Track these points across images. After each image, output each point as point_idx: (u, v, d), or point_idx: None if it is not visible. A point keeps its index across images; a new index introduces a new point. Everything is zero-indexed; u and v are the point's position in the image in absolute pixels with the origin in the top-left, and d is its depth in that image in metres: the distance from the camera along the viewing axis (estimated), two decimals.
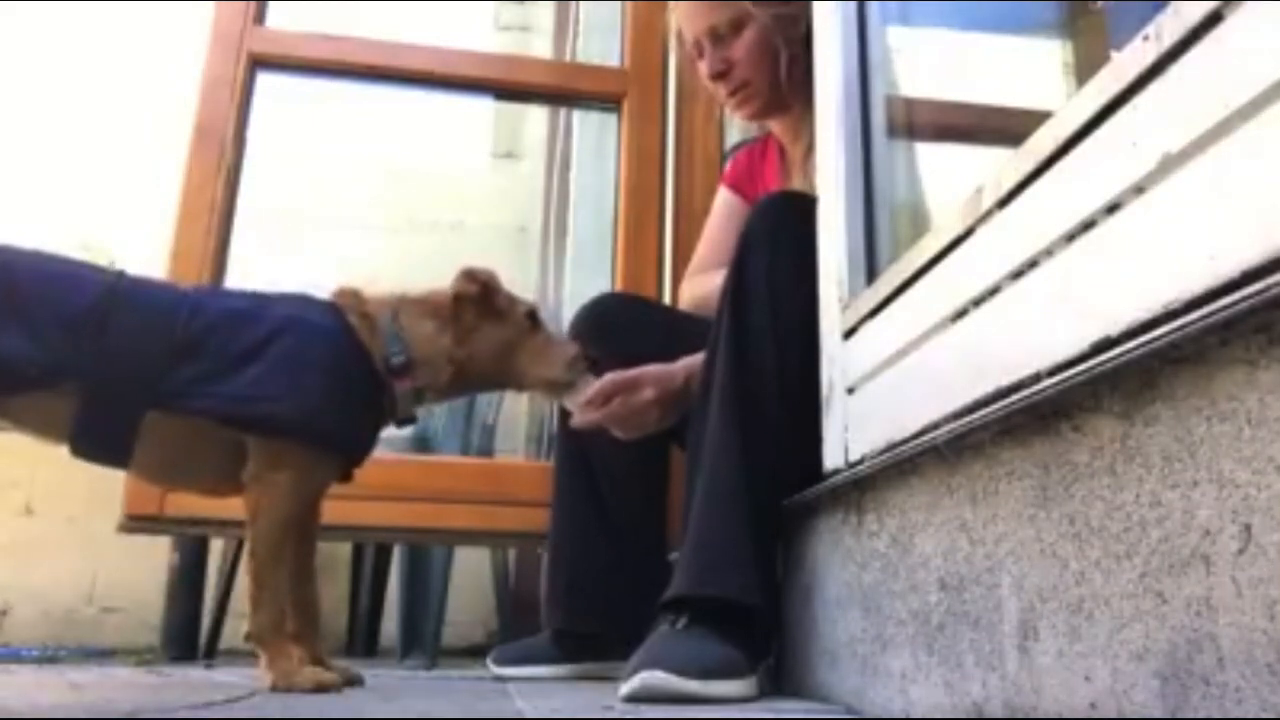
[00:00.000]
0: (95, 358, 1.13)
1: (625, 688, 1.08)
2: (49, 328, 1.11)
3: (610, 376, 1.46)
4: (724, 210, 1.85)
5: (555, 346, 1.42)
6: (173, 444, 1.21)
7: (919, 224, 1.25)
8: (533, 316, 1.40)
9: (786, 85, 1.63)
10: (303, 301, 1.30)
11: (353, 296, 1.31)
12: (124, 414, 1.15)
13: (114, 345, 1.13)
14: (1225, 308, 0.54)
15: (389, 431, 1.41)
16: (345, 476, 1.31)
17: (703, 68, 1.71)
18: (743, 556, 1.20)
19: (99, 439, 1.17)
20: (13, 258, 1.16)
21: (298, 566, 1.28)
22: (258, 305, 1.26)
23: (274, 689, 1.14)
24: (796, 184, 1.66)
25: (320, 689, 1.15)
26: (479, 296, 1.35)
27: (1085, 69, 1.59)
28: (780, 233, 1.30)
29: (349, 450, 1.28)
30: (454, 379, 1.34)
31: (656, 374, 1.48)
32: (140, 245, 3.12)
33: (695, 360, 1.46)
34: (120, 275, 1.21)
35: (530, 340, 1.39)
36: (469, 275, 1.36)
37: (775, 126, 1.79)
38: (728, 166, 1.97)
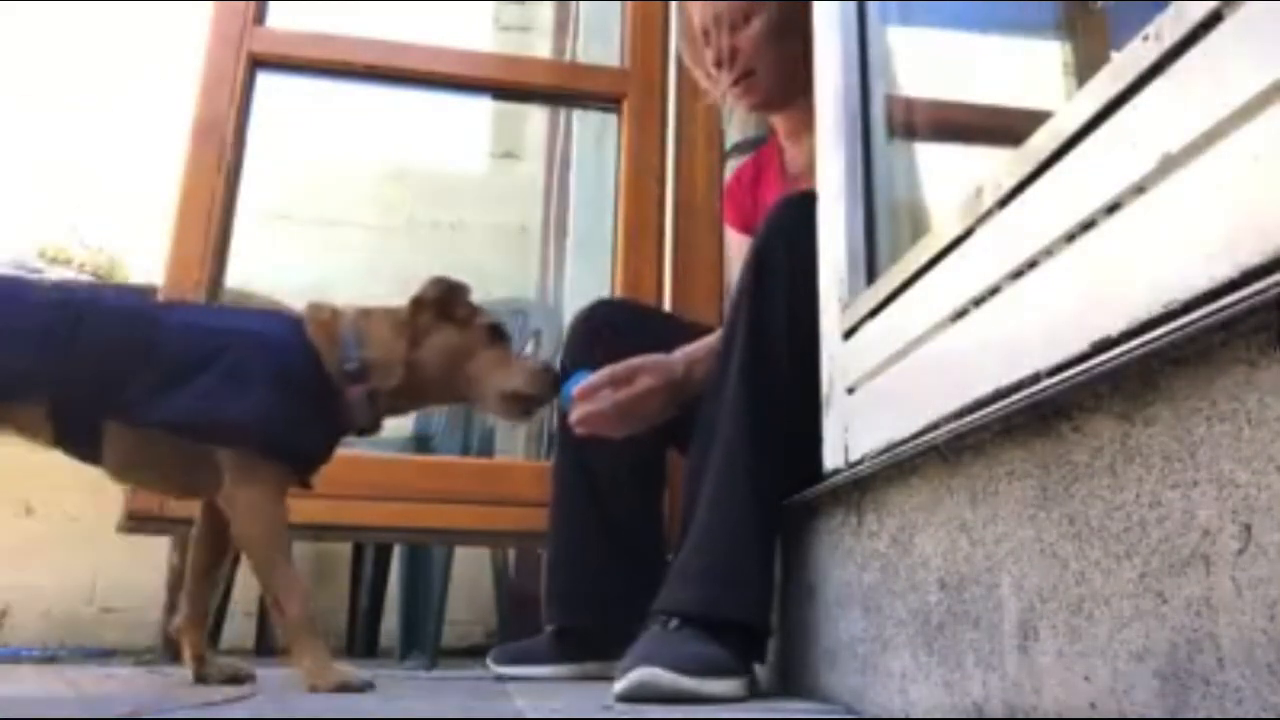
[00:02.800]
0: (60, 373, 1.18)
1: (620, 685, 1.08)
2: (19, 346, 1.17)
3: (608, 368, 1.44)
4: (737, 249, 1.79)
5: (516, 360, 1.41)
6: (134, 451, 1.24)
7: (919, 224, 1.25)
8: (495, 331, 1.39)
9: (791, 81, 1.62)
10: (266, 315, 1.36)
11: (318, 308, 1.33)
12: (86, 423, 1.20)
13: (77, 361, 1.18)
14: (1225, 308, 0.54)
15: (390, 431, 1.41)
16: (303, 484, 1.31)
17: (708, 55, 1.70)
18: (753, 576, 1.19)
19: (73, 445, 1.23)
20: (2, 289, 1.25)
21: (209, 564, 1.32)
22: (214, 319, 1.31)
23: (312, 690, 1.17)
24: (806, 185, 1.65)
25: (346, 688, 1.17)
26: (436, 301, 1.35)
27: (1085, 69, 1.58)
28: (798, 231, 1.28)
29: (294, 457, 1.28)
30: (407, 384, 1.33)
31: (654, 362, 1.46)
32: (140, 245, 3.12)
33: (694, 349, 1.45)
34: (94, 292, 1.25)
35: (487, 352, 1.37)
36: (434, 281, 1.37)
37: (778, 122, 1.77)
38: (724, 202, 1.93)
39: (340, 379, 1.28)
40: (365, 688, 1.18)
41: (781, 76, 1.63)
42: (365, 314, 1.34)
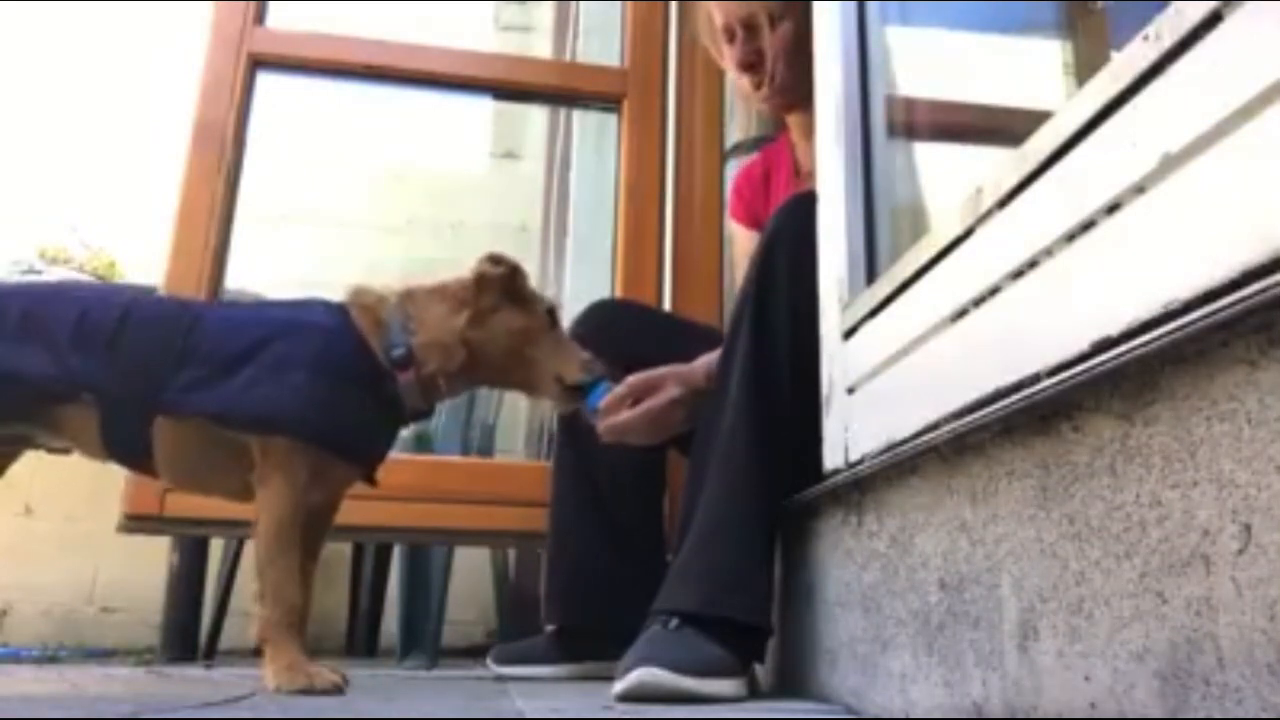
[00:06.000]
0: (107, 371, 1.20)
1: (620, 684, 1.08)
2: (67, 347, 1.19)
3: (632, 378, 1.45)
4: (744, 245, 1.79)
5: (572, 347, 1.39)
6: (183, 449, 1.24)
7: (919, 224, 1.25)
8: (552, 314, 1.37)
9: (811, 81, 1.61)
10: (309, 305, 1.32)
11: (361, 293, 1.31)
12: (135, 420, 1.21)
13: (123, 359, 1.20)
14: (1225, 308, 0.54)
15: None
16: (369, 479, 1.30)
17: (730, 53, 1.69)
18: (753, 576, 1.19)
19: (122, 445, 1.24)
20: (50, 292, 1.29)
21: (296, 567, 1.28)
22: (256, 312, 1.31)
23: (276, 690, 1.14)
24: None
25: (309, 690, 1.13)
26: (504, 279, 1.33)
27: (1085, 69, 1.59)
28: (802, 232, 1.27)
29: (345, 448, 1.26)
30: (468, 364, 1.30)
31: (678, 372, 1.46)
32: (140, 245, 3.12)
33: (713, 358, 1.45)
34: (142, 293, 1.28)
35: (547, 336, 1.36)
36: (494, 259, 1.34)
37: (793, 120, 1.77)
38: (731, 199, 1.92)
39: (388, 364, 1.27)
40: (334, 691, 1.14)
41: (805, 78, 1.63)
42: (409, 296, 1.31)
